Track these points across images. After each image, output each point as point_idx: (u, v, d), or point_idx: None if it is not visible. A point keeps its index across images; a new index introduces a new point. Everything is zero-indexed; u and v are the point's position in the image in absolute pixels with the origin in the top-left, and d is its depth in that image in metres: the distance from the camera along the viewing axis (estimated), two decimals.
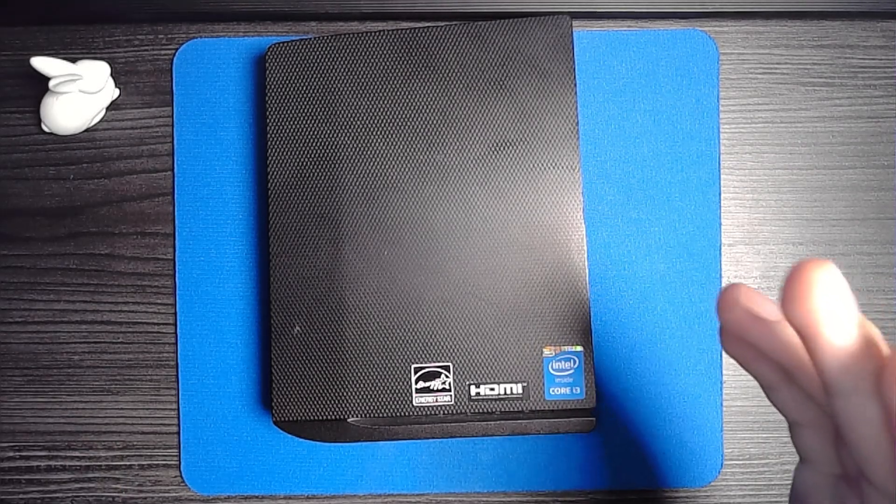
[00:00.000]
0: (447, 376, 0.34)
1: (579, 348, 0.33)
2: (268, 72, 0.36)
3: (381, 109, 0.35)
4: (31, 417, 0.38)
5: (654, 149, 0.38)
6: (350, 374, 0.34)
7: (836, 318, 0.17)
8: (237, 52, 0.38)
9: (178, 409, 0.38)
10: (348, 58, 0.35)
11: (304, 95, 0.35)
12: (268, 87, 0.36)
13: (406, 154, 0.34)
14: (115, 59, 0.39)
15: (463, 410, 0.33)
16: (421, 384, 0.34)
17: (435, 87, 0.35)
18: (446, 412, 0.33)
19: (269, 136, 0.35)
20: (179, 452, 0.38)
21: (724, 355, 0.37)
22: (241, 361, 0.38)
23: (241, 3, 0.38)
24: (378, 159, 0.35)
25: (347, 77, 0.35)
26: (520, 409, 0.33)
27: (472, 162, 0.34)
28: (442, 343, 0.34)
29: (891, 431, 0.17)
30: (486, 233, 0.34)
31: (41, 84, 0.35)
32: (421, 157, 0.34)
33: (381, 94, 0.35)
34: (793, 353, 0.20)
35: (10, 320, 0.39)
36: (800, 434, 0.22)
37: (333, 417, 0.34)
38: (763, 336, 0.20)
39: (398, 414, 0.34)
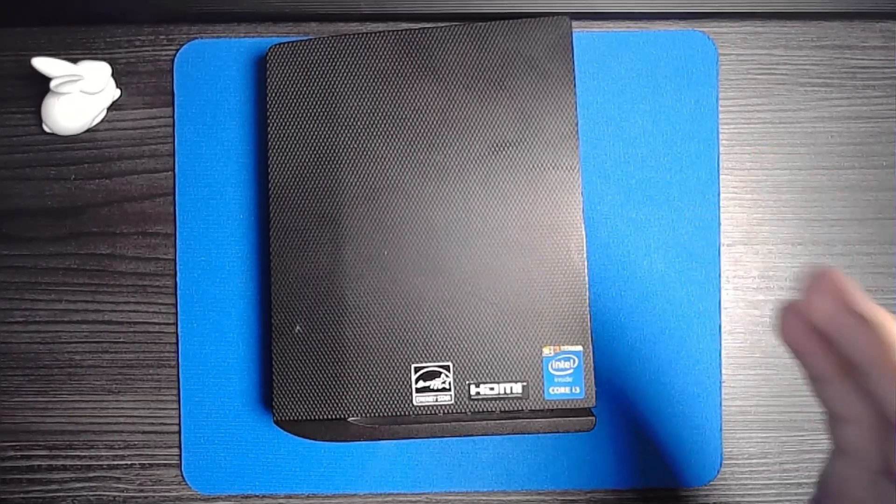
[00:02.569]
0: (447, 376, 0.34)
1: (579, 348, 0.34)
2: (268, 72, 0.36)
3: (382, 110, 0.35)
4: (32, 417, 0.39)
5: (654, 149, 0.38)
6: (350, 374, 0.34)
7: (861, 302, 0.20)
8: (238, 52, 0.39)
9: (179, 408, 0.38)
10: (349, 58, 0.35)
11: (305, 96, 0.35)
12: (268, 87, 0.36)
13: (406, 154, 0.35)
14: (115, 59, 0.39)
15: (463, 410, 0.34)
16: (421, 384, 0.34)
17: (435, 88, 0.35)
18: (446, 411, 0.34)
19: (269, 136, 0.35)
20: (180, 452, 0.38)
21: (724, 355, 0.38)
22: (242, 361, 0.38)
23: (241, 4, 0.38)
24: (378, 159, 0.35)
25: (348, 77, 0.35)
26: (519, 408, 0.33)
27: (472, 162, 0.34)
28: (442, 343, 0.34)
29: None
30: (486, 233, 0.34)
31: (42, 84, 0.35)
32: (421, 157, 0.35)
33: (381, 95, 0.35)
34: (873, 351, 0.21)
35: (12, 320, 0.39)
36: (842, 428, 0.23)
37: (334, 417, 0.34)
38: (849, 328, 0.21)
39: (398, 413, 0.34)
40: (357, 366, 0.34)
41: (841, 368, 0.23)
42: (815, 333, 0.22)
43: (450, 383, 0.34)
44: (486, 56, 0.35)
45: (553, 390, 0.33)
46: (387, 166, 0.35)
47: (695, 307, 0.37)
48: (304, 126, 0.35)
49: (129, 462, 0.38)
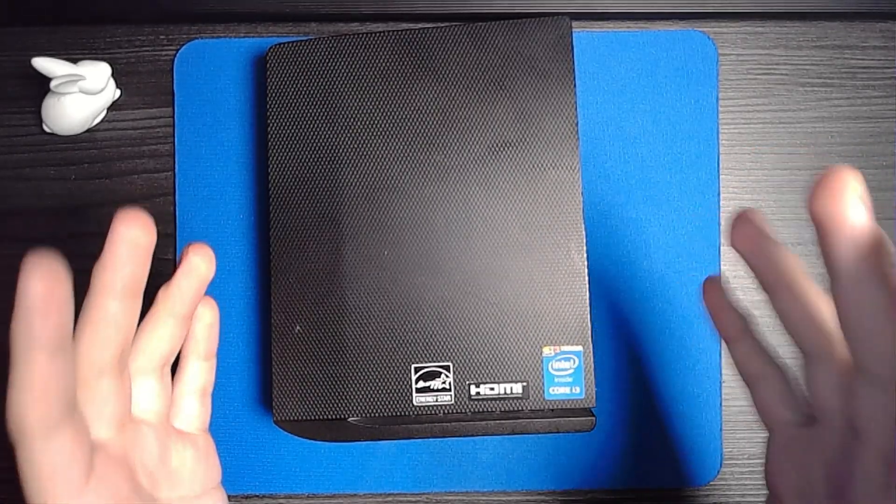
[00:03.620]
0: (447, 376, 0.34)
1: (579, 348, 0.33)
2: (268, 72, 0.36)
3: (382, 110, 0.35)
4: None
5: (654, 149, 0.38)
6: (350, 374, 0.34)
7: (859, 211, 0.20)
8: (238, 52, 0.39)
9: None
10: (349, 58, 0.35)
11: (305, 96, 0.35)
12: (268, 87, 0.36)
13: (406, 154, 0.35)
14: (116, 59, 0.39)
15: (463, 410, 0.34)
16: (421, 384, 0.34)
17: (435, 88, 0.35)
18: (446, 412, 0.34)
19: (269, 136, 0.35)
20: None
21: (724, 355, 0.38)
22: (242, 361, 0.38)
23: (241, 4, 0.38)
24: (378, 160, 0.35)
25: (348, 78, 0.35)
26: (520, 408, 0.33)
27: (471, 162, 0.34)
28: (442, 343, 0.34)
29: (893, 317, 0.19)
30: (486, 233, 0.34)
31: (42, 84, 0.35)
32: (421, 157, 0.35)
33: (381, 95, 0.35)
34: (790, 267, 0.23)
35: None
36: (758, 390, 0.26)
37: (334, 417, 0.34)
38: (766, 248, 0.23)
39: (398, 413, 0.34)
40: (357, 366, 0.34)
41: (746, 326, 0.26)
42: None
43: (450, 383, 0.34)
44: (486, 56, 0.35)
45: (553, 390, 0.33)
46: (387, 166, 0.35)
47: (695, 307, 0.37)
48: (304, 126, 0.35)
49: None
